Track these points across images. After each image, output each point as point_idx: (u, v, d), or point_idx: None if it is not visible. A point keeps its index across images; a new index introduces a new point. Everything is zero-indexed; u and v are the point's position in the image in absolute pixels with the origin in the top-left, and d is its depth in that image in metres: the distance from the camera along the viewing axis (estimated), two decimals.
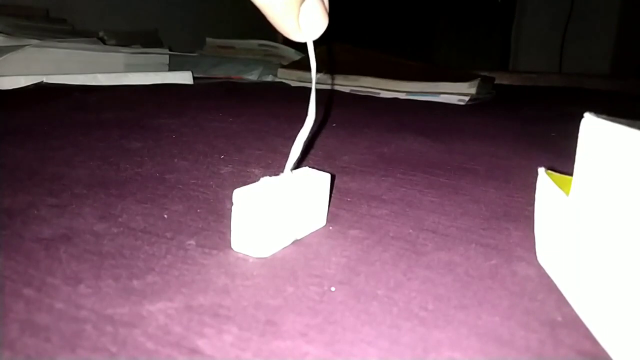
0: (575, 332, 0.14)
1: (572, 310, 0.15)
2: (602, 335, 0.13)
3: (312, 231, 0.20)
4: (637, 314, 0.12)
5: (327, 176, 0.20)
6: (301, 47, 0.88)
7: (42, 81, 0.56)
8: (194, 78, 0.69)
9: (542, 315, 0.14)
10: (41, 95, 0.51)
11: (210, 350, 0.12)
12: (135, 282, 0.15)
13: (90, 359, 0.12)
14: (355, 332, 0.13)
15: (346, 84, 0.73)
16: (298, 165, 0.20)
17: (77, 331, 0.12)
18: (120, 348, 0.12)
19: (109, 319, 0.13)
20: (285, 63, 0.84)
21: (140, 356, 0.12)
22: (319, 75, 0.74)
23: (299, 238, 0.19)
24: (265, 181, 0.18)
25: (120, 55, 0.69)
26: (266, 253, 0.17)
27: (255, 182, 0.18)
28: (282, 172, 0.19)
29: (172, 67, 0.77)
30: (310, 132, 0.20)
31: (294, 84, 0.76)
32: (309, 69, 0.21)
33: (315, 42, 0.20)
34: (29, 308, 0.13)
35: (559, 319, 0.14)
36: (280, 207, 0.17)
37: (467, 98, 0.66)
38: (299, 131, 0.19)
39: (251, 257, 0.17)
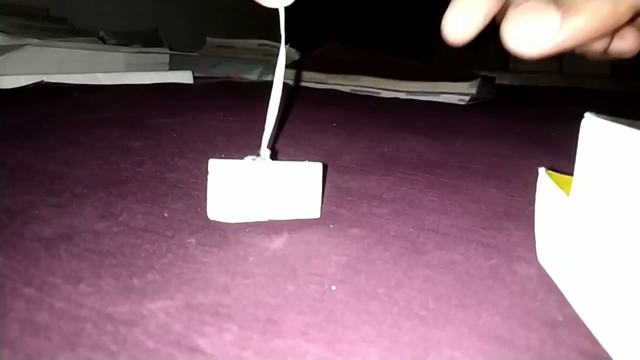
0: (575, 331, 0.14)
1: (573, 310, 0.15)
2: (602, 335, 0.13)
3: (299, 218, 0.20)
4: (637, 314, 0.12)
5: (319, 165, 0.20)
6: (301, 47, 0.88)
7: (43, 80, 0.56)
8: (194, 77, 0.69)
9: (542, 315, 0.14)
10: (41, 94, 0.51)
11: (210, 349, 0.12)
12: (135, 281, 0.15)
13: (90, 357, 0.12)
14: (356, 331, 0.13)
15: (346, 84, 0.73)
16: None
17: (77, 330, 0.12)
18: (121, 347, 0.12)
19: (109, 317, 0.13)
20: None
21: (141, 355, 0.12)
22: (320, 75, 0.74)
23: (279, 219, 0.19)
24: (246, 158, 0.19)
25: (120, 55, 0.69)
26: (236, 219, 0.18)
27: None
28: (260, 149, 0.20)
29: (173, 66, 0.77)
30: (279, 104, 0.20)
31: (294, 83, 0.76)
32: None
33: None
34: (29, 307, 0.13)
35: (560, 318, 0.14)
36: (253, 177, 0.18)
37: (467, 98, 0.66)
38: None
39: (230, 222, 0.18)
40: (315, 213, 0.20)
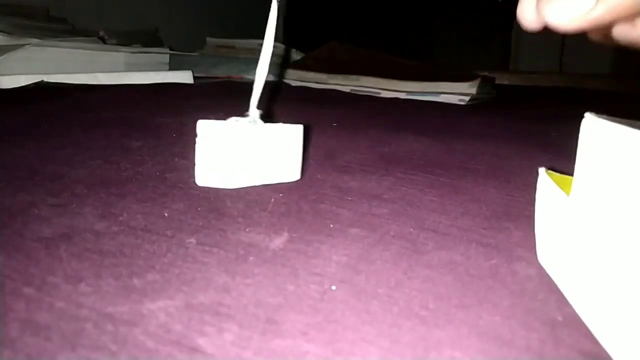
0: (575, 331, 0.14)
1: (573, 310, 0.15)
2: (602, 335, 0.13)
3: (282, 181, 0.20)
4: (637, 314, 0.12)
5: (300, 127, 0.20)
6: (301, 47, 0.88)
7: (43, 80, 0.56)
8: (195, 77, 0.69)
9: (542, 315, 0.14)
10: (41, 94, 0.51)
11: (210, 348, 0.12)
12: (135, 281, 0.15)
13: (90, 357, 0.12)
14: (356, 331, 0.13)
15: (346, 84, 0.73)
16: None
17: (77, 330, 0.12)
18: (121, 347, 0.12)
19: (109, 317, 0.13)
20: None
21: (141, 355, 0.12)
22: (320, 75, 0.74)
23: (264, 183, 0.19)
24: (233, 119, 0.19)
25: (120, 55, 0.69)
26: (223, 184, 0.17)
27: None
28: (249, 109, 0.20)
29: (173, 66, 0.77)
30: (269, 63, 0.20)
31: (294, 83, 0.76)
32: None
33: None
34: (29, 307, 0.13)
35: (560, 318, 0.14)
36: (241, 138, 0.18)
37: (467, 98, 0.66)
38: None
39: (217, 187, 0.17)
40: (295, 175, 0.20)
